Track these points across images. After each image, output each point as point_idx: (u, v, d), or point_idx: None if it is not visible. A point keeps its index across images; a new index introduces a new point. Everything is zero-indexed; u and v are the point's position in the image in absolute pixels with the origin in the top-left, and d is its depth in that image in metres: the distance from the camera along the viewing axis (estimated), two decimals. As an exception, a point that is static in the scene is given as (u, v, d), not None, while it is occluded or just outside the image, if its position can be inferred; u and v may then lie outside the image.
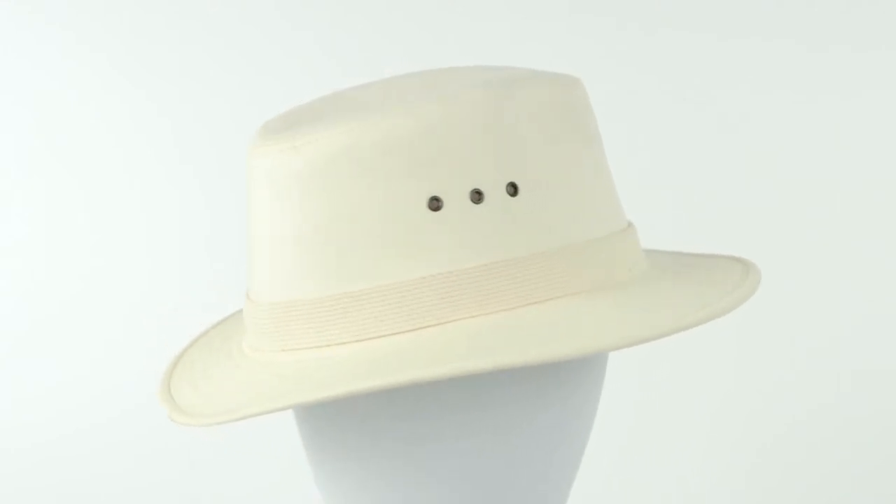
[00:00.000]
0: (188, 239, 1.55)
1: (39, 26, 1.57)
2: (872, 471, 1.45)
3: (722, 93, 1.50)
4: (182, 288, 1.54)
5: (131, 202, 1.56)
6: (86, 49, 1.57)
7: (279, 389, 0.73)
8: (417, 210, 0.74)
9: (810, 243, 1.48)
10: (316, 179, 0.75)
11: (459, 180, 0.74)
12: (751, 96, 1.50)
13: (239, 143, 1.54)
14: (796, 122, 1.49)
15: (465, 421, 0.78)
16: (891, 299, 1.47)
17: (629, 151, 1.46)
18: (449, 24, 1.53)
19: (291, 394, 0.72)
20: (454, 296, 0.73)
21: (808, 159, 1.49)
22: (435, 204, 0.74)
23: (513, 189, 0.74)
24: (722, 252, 0.89)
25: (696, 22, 1.50)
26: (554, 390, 0.80)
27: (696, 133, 1.50)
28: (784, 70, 1.49)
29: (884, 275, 1.47)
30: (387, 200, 0.74)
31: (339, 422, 0.79)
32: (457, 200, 0.74)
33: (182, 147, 1.56)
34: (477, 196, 0.74)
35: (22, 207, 1.58)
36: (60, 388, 1.55)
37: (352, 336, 0.74)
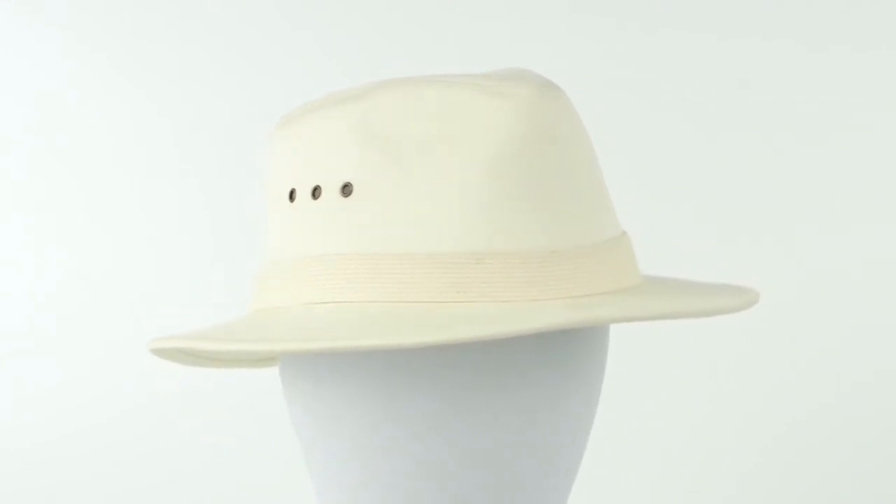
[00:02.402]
0: (188, 239, 1.56)
1: (39, 26, 1.57)
2: (872, 471, 1.45)
3: (722, 93, 1.50)
4: (182, 287, 1.55)
5: (131, 202, 1.56)
6: (86, 49, 1.57)
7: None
8: (283, 200, 0.80)
9: (810, 243, 1.48)
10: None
11: (310, 176, 0.79)
12: (751, 96, 1.50)
13: (239, 142, 1.55)
14: (796, 121, 1.49)
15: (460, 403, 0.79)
16: (891, 299, 1.47)
17: (628, 152, 1.47)
18: (449, 24, 1.53)
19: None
20: (272, 283, 0.80)
21: (809, 159, 1.49)
22: (292, 196, 0.79)
23: (347, 189, 0.77)
24: (726, 269, 0.89)
25: (696, 22, 1.50)
26: (559, 378, 0.80)
27: (696, 133, 1.50)
28: (784, 69, 1.49)
29: (884, 275, 1.47)
30: (268, 190, 0.82)
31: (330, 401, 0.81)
32: (303, 195, 0.79)
33: (182, 147, 1.56)
34: (315, 192, 0.78)
35: (22, 207, 1.58)
36: (60, 388, 1.55)
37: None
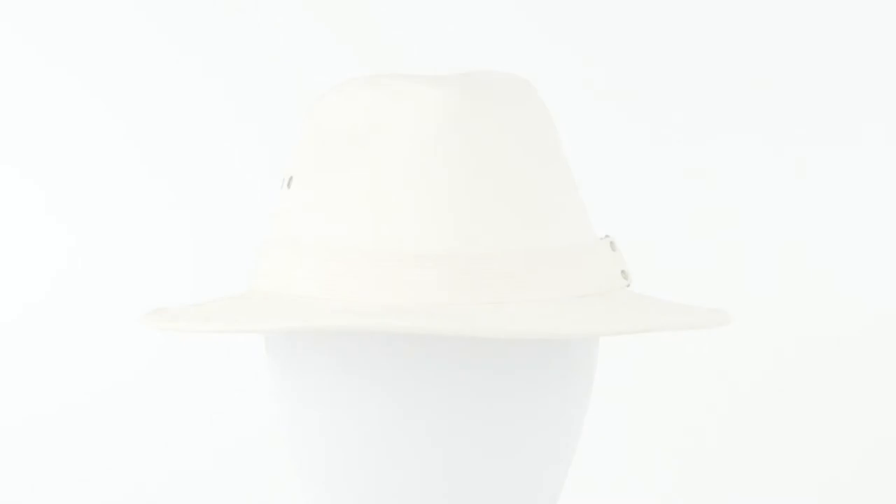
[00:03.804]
0: (188, 238, 1.56)
1: (39, 26, 1.57)
2: (872, 470, 1.45)
3: (722, 93, 1.50)
4: (183, 287, 1.55)
5: (132, 201, 1.57)
6: (86, 49, 1.57)
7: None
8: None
9: (810, 245, 1.48)
10: None
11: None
12: (751, 96, 1.50)
13: (239, 142, 1.55)
14: (798, 124, 1.49)
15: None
16: (891, 299, 1.47)
17: (625, 153, 1.47)
18: (449, 24, 1.53)
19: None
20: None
21: (809, 160, 1.49)
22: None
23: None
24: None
25: (695, 22, 1.51)
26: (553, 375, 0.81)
27: (695, 134, 1.50)
28: (784, 74, 1.50)
29: (884, 274, 1.48)
30: None
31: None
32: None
33: (182, 146, 1.56)
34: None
35: (21, 206, 1.59)
36: (60, 387, 1.55)
37: None
